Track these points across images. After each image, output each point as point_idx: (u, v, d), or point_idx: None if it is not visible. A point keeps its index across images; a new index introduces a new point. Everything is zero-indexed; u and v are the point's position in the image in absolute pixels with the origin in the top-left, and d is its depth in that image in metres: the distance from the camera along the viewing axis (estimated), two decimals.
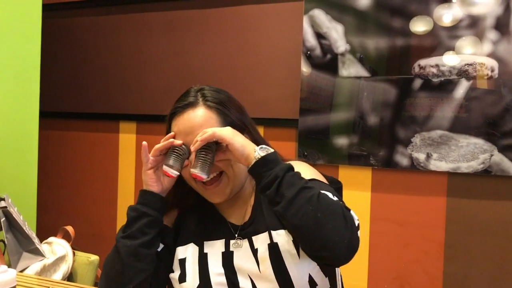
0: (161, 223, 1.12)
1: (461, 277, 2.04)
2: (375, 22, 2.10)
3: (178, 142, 1.09)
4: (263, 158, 1.00)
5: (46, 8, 2.34)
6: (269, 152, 1.01)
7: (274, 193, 0.97)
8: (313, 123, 2.21)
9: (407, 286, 2.12)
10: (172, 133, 1.11)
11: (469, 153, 1.97)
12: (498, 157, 1.93)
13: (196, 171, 1.04)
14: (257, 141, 1.11)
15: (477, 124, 1.96)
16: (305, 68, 2.21)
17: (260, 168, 1.00)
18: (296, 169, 1.01)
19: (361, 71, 2.12)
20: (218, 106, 1.12)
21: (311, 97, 2.21)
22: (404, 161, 2.07)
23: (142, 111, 2.63)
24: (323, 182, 1.11)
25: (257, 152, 1.01)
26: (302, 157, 2.22)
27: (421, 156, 2.04)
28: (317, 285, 1.05)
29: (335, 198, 1.00)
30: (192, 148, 1.05)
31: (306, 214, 0.93)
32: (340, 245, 0.92)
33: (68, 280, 1.66)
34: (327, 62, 2.17)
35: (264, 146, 1.03)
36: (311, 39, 2.20)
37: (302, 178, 0.99)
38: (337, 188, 1.14)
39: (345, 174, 2.19)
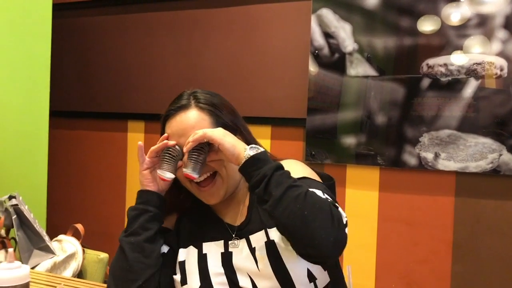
0: (161, 219, 1.14)
1: (469, 277, 2.03)
2: (383, 21, 2.10)
3: (171, 143, 1.11)
4: (252, 157, 1.01)
5: (55, 7, 2.35)
6: (259, 151, 1.02)
7: (262, 192, 0.98)
8: (321, 123, 2.21)
9: (414, 286, 2.12)
10: (165, 135, 1.13)
11: (477, 153, 1.97)
12: (507, 156, 1.93)
13: (188, 171, 1.06)
14: (249, 142, 1.13)
15: (486, 124, 1.95)
16: (312, 68, 2.21)
17: (249, 167, 1.01)
18: (287, 168, 1.02)
19: (369, 71, 2.12)
20: (210, 107, 1.13)
21: (319, 97, 2.21)
22: (412, 160, 2.07)
23: (150, 110, 2.65)
24: (314, 180, 1.11)
25: (247, 151, 1.02)
26: (309, 156, 2.22)
27: (429, 156, 2.04)
28: (316, 279, 1.06)
29: (324, 196, 1.01)
30: (185, 149, 1.06)
31: (293, 213, 0.94)
32: (326, 243, 0.92)
33: (78, 278, 1.68)
34: (335, 61, 2.17)
35: (254, 145, 1.04)
36: (319, 39, 2.20)
37: (291, 177, 1.00)
38: (329, 185, 1.14)
39: (352, 173, 2.19)
